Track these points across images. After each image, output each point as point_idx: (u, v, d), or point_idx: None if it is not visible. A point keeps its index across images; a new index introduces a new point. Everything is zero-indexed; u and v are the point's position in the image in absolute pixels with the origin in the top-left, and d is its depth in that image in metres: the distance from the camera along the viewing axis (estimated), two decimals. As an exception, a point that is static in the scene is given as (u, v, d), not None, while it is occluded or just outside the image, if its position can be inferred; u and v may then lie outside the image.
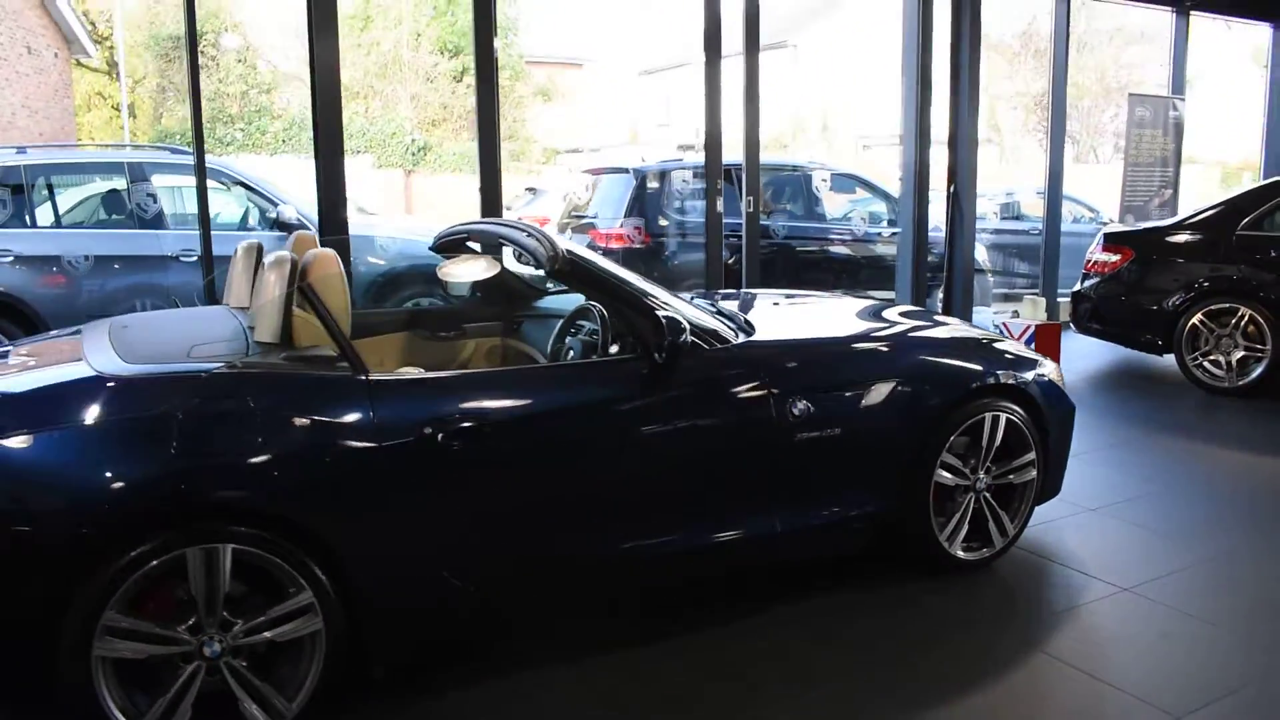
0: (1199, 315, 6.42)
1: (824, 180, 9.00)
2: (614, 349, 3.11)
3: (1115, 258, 6.88)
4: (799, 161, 9.99)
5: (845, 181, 9.57)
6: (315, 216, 7.01)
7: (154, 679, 2.36)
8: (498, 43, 6.02)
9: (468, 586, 2.70)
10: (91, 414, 2.35)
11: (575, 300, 4.06)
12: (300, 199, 7.00)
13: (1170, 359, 6.67)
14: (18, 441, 2.28)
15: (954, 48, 8.07)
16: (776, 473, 3.13)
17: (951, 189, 8.23)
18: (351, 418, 2.55)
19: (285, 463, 2.44)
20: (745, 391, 3.09)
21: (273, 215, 6.95)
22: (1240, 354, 6.29)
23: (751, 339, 3.29)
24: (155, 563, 2.27)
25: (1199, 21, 10.05)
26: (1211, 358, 6.41)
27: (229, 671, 2.39)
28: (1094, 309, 7.06)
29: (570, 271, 2.97)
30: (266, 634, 2.41)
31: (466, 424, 2.65)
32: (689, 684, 2.82)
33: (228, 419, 2.44)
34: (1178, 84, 9.72)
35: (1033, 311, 8.96)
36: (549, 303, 4.12)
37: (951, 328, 3.99)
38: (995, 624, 3.26)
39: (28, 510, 2.23)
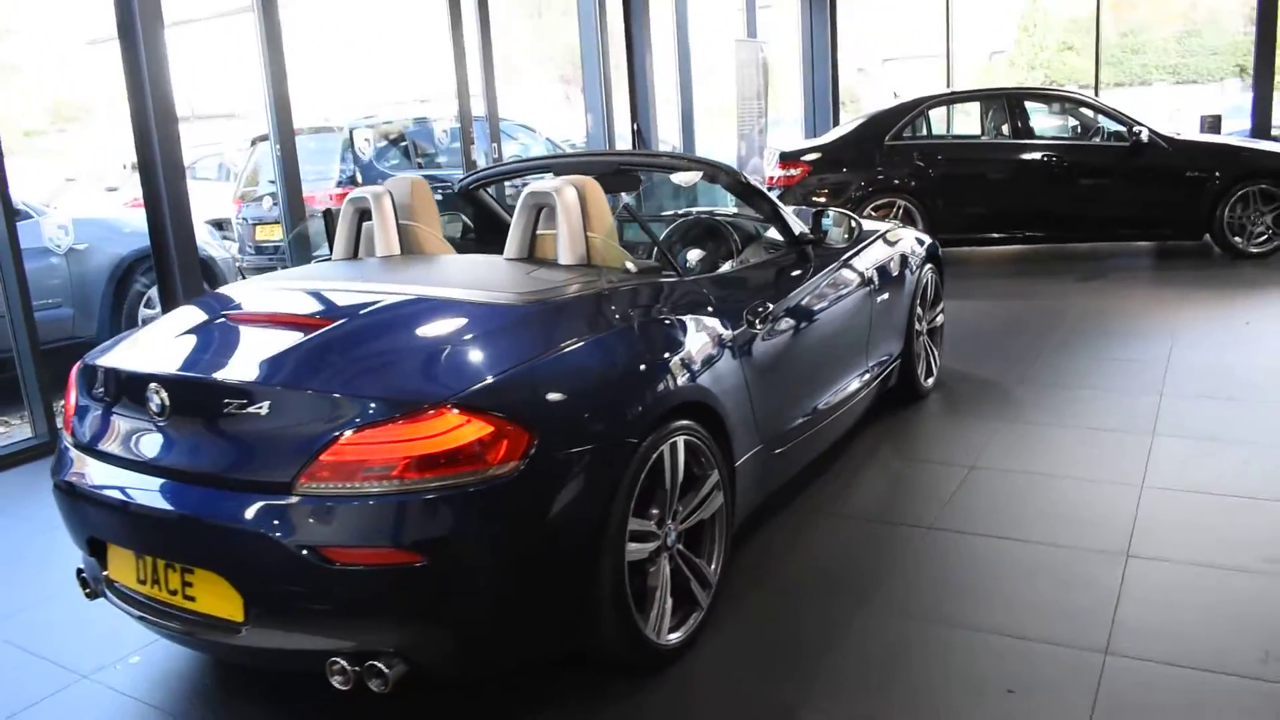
0: (868, 209, 8.22)
1: (543, 137, 9.50)
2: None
3: (795, 172, 8.45)
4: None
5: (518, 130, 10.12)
6: None
7: None
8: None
9: (778, 450, 3.15)
10: (587, 330, 2.47)
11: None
12: None
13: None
14: (538, 367, 2.30)
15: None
16: (869, 326, 3.95)
17: (635, 126, 9.27)
18: (709, 313, 2.86)
19: (700, 357, 2.70)
20: (860, 268, 3.87)
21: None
22: (900, 235, 8.23)
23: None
24: (650, 463, 2.44)
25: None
26: (879, 241, 8.28)
27: (680, 558, 2.62)
28: (779, 216, 8.59)
29: (747, 186, 3.48)
30: (698, 516, 2.68)
31: (770, 307, 3.12)
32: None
33: (661, 325, 2.64)
34: (751, 30, 11.71)
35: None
36: None
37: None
38: (975, 412, 4.42)
39: (588, 430, 2.28)
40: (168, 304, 5.20)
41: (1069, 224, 8.00)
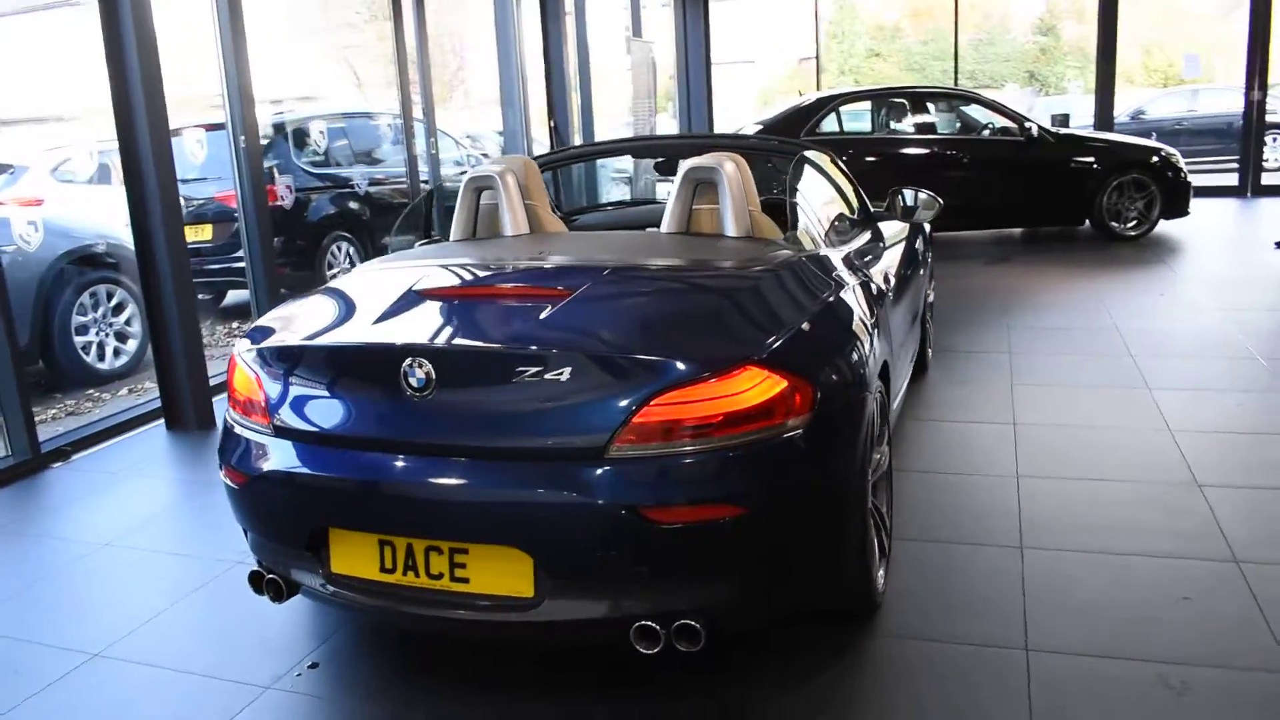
0: (787, 201, 8.64)
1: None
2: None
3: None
4: (375, 109, 9.98)
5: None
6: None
7: None
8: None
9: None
10: (821, 294, 2.64)
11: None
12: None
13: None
14: (804, 327, 2.43)
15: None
16: (921, 297, 4.27)
17: (552, 122, 9.32)
18: (870, 282, 3.07)
19: (880, 320, 2.91)
20: (916, 244, 4.19)
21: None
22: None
23: None
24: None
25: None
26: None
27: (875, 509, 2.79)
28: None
29: (837, 165, 3.72)
30: (880, 470, 2.87)
31: (892, 279, 3.39)
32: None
33: (858, 291, 2.83)
34: (636, 29, 11.96)
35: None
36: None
37: None
38: (979, 379, 4.83)
39: (845, 384, 2.42)
40: (154, 309, 4.89)
41: (972, 213, 8.69)
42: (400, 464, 2.30)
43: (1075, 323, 5.94)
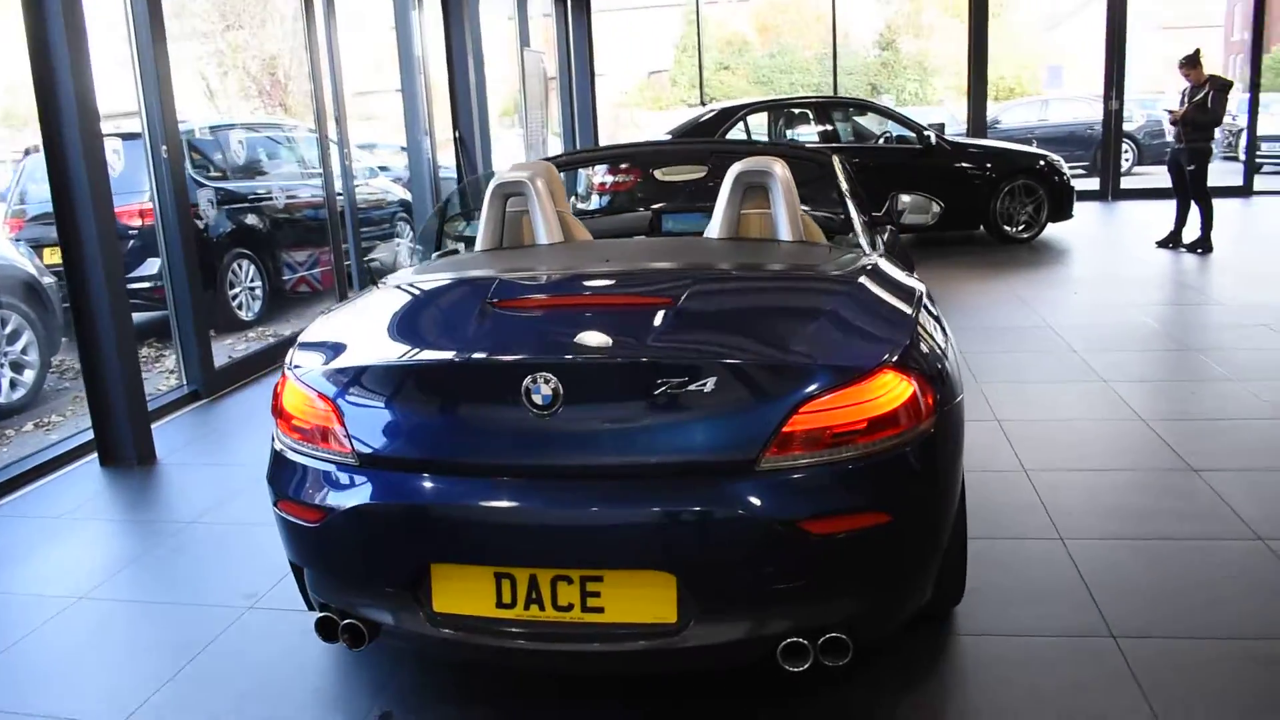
0: (700, 210, 8.72)
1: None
2: None
3: (629, 177, 8.73)
4: (284, 121, 9.45)
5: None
6: None
7: None
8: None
9: None
10: (911, 297, 2.62)
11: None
12: None
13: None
14: (916, 329, 2.40)
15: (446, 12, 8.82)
16: None
17: (457, 134, 9.07)
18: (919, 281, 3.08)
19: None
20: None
21: None
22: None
23: None
24: None
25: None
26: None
27: None
28: (611, 219, 8.85)
29: (849, 174, 3.74)
30: None
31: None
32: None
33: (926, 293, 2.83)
34: (524, 39, 11.81)
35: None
36: None
37: None
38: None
39: (950, 385, 2.39)
40: (86, 332, 4.45)
41: (875, 218, 9.00)
42: (521, 488, 2.15)
43: (1010, 322, 6.22)
